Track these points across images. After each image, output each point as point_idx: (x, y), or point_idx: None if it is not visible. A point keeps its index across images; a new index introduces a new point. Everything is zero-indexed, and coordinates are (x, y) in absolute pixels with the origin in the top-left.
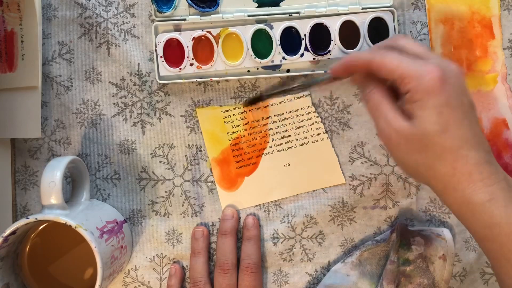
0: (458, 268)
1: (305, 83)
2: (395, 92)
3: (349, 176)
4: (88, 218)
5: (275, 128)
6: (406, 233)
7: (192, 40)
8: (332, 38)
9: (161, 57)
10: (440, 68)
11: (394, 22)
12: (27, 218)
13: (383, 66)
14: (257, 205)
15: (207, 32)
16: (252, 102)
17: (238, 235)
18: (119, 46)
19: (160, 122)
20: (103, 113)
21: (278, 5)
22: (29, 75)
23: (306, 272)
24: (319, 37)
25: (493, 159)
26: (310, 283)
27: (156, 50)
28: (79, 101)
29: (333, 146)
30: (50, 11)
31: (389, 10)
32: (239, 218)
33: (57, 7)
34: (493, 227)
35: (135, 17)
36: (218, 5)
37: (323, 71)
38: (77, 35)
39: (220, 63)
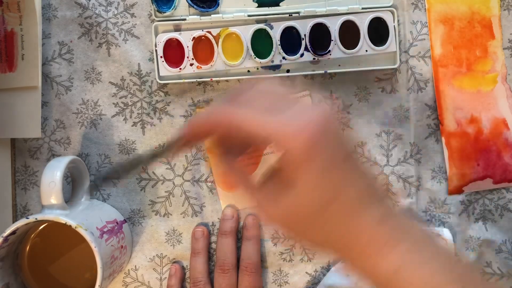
0: None
1: (153, 155)
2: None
3: None
4: (88, 218)
5: None
6: None
7: (192, 40)
8: (332, 38)
9: (161, 57)
10: (307, 124)
11: (394, 22)
12: (27, 218)
13: (233, 128)
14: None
15: (207, 32)
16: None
17: (238, 235)
18: (119, 46)
19: (160, 122)
20: (103, 113)
21: (278, 5)
22: (29, 75)
23: (306, 272)
24: (319, 37)
25: (389, 207)
26: (310, 283)
27: (156, 50)
28: (79, 101)
29: None
30: (50, 11)
31: (389, 10)
32: (239, 218)
33: (57, 7)
34: None
35: (135, 17)
36: (218, 5)
37: (323, 71)
38: (77, 35)
39: (220, 63)
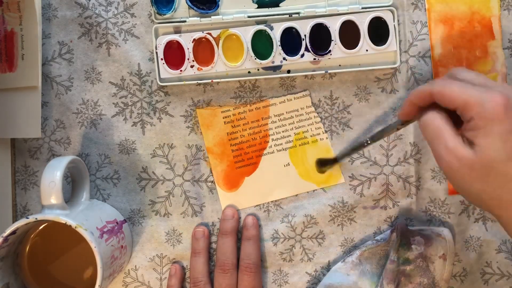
0: (458, 268)
1: (375, 137)
2: (454, 120)
3: (349, 176)
4: (88, 218)
5: (275, 128)
6: (406, 232)
7: (192, 42)
8: (332, 38)
9: (161, 59)
10: (504, 95)
11: (394, 21)
12: (27, 218)
13: (446, 94)
14: (257, 205)
15: (207, 33)
16: (326, 163)
17: (238, 235)
18: (119, 46)
19: (160, 122)
20: (103, 113)
21: (277, 5)
22: (29, 75)
23: (306, 272)
24: (319, 37)
25: None
26: (310, 283)
27: (156, 53)
28: (79, 101)
29: (332, 146)
30: (50, 11)
31: (389, 10)
32: (239, 218)
33: (57, 7)
34: None
35: (135, 17)
36: (218, 7)
37: (323, 71)
38: (77, 35)
39: (220, 65)
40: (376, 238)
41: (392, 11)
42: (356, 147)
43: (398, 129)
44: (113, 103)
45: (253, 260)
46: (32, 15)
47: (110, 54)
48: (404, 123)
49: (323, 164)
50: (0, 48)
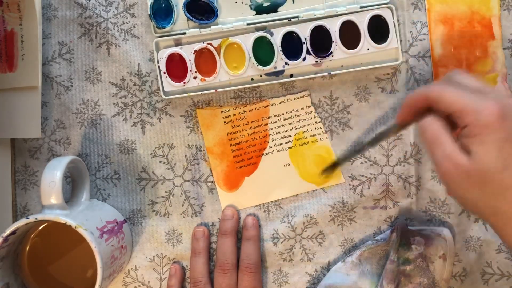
0: (458, 268)
1: (375, 139)
2: (452, 125)
3: (349, 176)
4: (88, 218)
5: (275, 128)
6: (406, 232)
7: (193, 53)
8: (333, 39)
9: (164, 73)
10: (499, 103)
11: (393, 19)
12: (27, 218)
13: (442, 100)
14: (257, 205)
15: (208, 44)
16: (330, 169)
17: (238, 235)
18: (119, 46)
19: (160, 122)
20: (103, 113)
21: (276, 11)
22: (29, 75)
23: (306, 272)
24: (320, 40)
25: None
26: (310, 283)
27: (159, 67)
28: (79, 101)
29: (332, 146)
30: (50, 11)
31: (388, 7)
32: (239, 218)
33: (57, 7)
34: None
35: (135, 17)
36: (216, 16)
37: (326, 73)
38: (77, 35)
39: (223, 74)
40: (376, 238)
41: (390, 9)
42: (356, 151)
43: (396, 132)
44: (113, 103)
45: (253, 260)
46: (32, 15)
47: (110, 54)
48: (402, 126)
49: (326, 171)
50: (0, 48)
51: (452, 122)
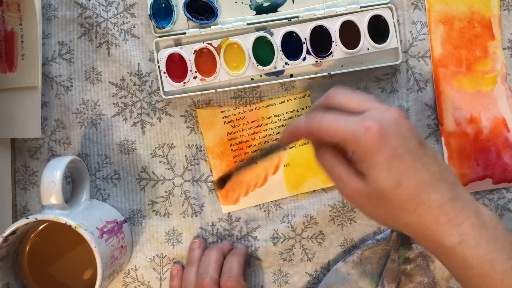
0: None
1: (262, 154)
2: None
3: None
4: (88, 218)
5: (275, 128)
6: None
7: (193, 53)
8: (333, 39)
9: (164, 73)
10: (375, 122)
11: (393, 18)
12: (27, 218)
13: (323, 133)
14: (257, 205)
15: (208, 44)
16: (225, 181)
17: (237, 237)
18: (119, 46)
19: (160, 122)
20: (103, 113)
21: (276, 11)
22: (29, 75)
23: (306, 272)
24: (320, 40)
25: (459, 191)
26: (310, 283)
27: (159, 67)
28: (79, 101)
29: None
30: (50, 11)
31: (388, 7)
32: (239, 219)
33: (57, 7)
34: (467, 269)
35: (135, 17)
36: (216, 16)
37: (326, 73)
38: (77, 35)
39: (223, 74)
40: (376, 237)
41: (390, 8)
42: (247, 162)
43: (281, 151)
44: (113, 103)
45: (234, 273)
46: (32, 15)
47: (110, 54)
48: (285, 147)
49: (222, 181)
50: (0, 48)
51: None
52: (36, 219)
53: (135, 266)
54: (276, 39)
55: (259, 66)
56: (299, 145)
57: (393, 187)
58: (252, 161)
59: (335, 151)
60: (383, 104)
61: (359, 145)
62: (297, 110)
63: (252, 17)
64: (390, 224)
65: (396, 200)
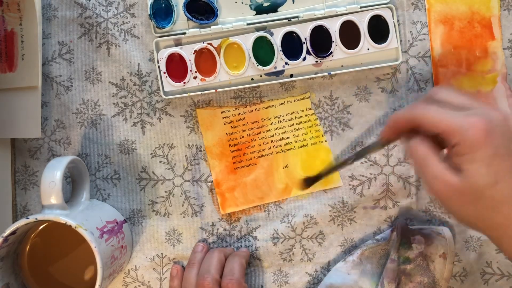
0: (458, 268)
1: (358, 154)
2: (440, 142)
3: (349, 176)
4: (88, 218)
5: (275, 129)
6: (406, 231)
7: (193, 53)
8: (333, 39)
9: (164, 73)
10: (483, 119)
11: (393, 18)
12: (27, 218)
13: (426, 122)
14: (256, 206)
15: (208, 44)
16: (312, 182)
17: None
18: (119, 46)
19: (160, 122)
20: (103, 113)
21: (276, 11)
22: (29, 75)
23: (306, 272)
24: (320, 40)
25: None
26: (310, 283)
27: (159, 67)
28: (79, 101)
29: (332, 149)
30: (50, 11)
31: (388, 7)
32: (239, 219)
33: (57, 7)
34: None
35: (135, 17)
36: (216, 16)
37: (326, 73)
38: (77, 35)
39: (223, 74)
40: (376, 237)
41: (390, 8)
42: (341, 164)
43: (380, 148)
44: (113, 103)
45: (235, 275)
46: (32, 15)
47: (110, 54)
48: (386, 143)
49: (309, 182)
50: (0, 48)
51: (440, 140)
52: (36, 219)
53: (135, 266)
54: (276, 39)
55: (259, 66)
56: (299, 147)
57: (490, 185)
58: (346, 162)
59: (430, 143)
60: (488, 105)
61: (463, 138)
62: (297, 112)
63: (252, 17)
64: (476, 223)
65: (489, 199)
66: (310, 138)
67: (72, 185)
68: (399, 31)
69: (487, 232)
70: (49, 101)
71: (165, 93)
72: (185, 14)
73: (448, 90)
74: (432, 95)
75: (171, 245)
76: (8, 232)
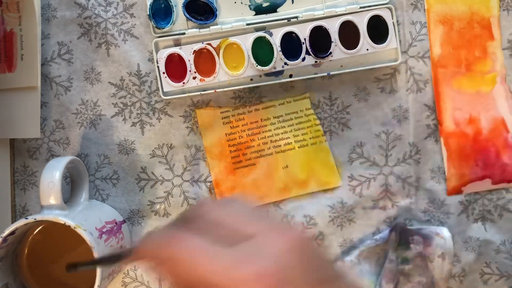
0: (457, 268)
1: (100, 261)
2: None
3: (348, 177)
4: (87, 219)
5: (274, 130)
6: (405, 232)
7: (193, 54)
8: (332, 39)
9: (163, 73)
10: (256, 266)
11: (393, 19)
12: (26, 218)
13: (180, 270)
14: (257, 206)
15: (208, 44)
16: (75, 268)
17: None
18: (119, 46)
19: (159, 122)
20: (102, 113)
21: (275, 11)
22: (29, 75)
23: None
24: (319, 40)
25: None
26: None
27: (158, 67)
28: (79, 101)
29: (331, 149)
30: (50, 11)
31: (387, 7)
32: None
33: (57, 7)
34: None
35: (135, 17)
36: (216, 17)
37: (325, 74)
38: (76, 35)
39: (223, 74)
40: (375, 237)
41: (390, 9)
42: (115, 258)
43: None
44: (113, 104)
45: None
46: (31, 16)
47: (109, 54)
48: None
49: (71, 267)
50: None
51: None
52: (35, 219)
53: (134, 266)
54: (276, 40)
55: (259, 66)
56: (298, 147)
57: None
58: (96, 263)
59: None
60: (279, 224)
61: None
62: (296, 112)
63: (251, 17)
64: None
65: None
66: (310, 138)
67: (71, 186)
68: (399, 32)
69: None
70: (48, 101)
71: (164, 94)
72: (184, 14)
73: (213, 203)
74: (200, 214)
75: None
76: (7, 232)
